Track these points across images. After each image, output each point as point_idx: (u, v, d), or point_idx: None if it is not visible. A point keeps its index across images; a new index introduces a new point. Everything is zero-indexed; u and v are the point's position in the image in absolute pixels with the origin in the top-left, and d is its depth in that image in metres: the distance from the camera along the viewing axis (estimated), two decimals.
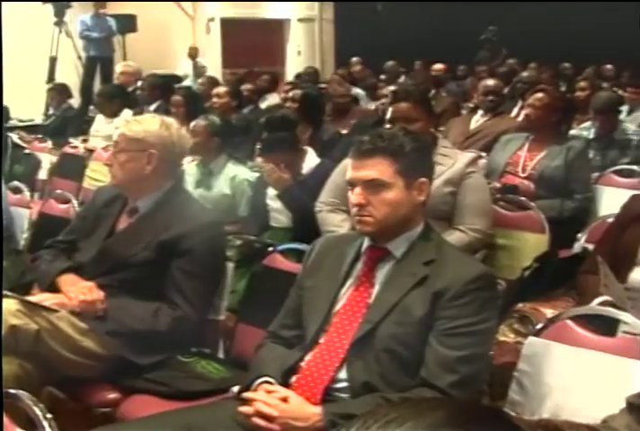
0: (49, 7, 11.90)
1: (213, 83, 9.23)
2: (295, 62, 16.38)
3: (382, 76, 12.07)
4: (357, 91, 10.24)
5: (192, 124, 5.01)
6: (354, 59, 13.47)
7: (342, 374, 2.53)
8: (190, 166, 4.98)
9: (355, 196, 2.54)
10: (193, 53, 13.60)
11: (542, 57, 12.00)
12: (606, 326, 2.75)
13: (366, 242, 2.64)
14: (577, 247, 3.96)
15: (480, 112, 6.71)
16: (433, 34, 14.87)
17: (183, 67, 13.48)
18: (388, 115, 4.01)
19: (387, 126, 3.96)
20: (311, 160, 4.69)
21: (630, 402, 2.17)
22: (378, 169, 2.51)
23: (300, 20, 17.08)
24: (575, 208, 4.85)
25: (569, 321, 2.67)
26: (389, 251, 2.59)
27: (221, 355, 3.37)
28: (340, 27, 17.00)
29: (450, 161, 3.91)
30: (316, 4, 17.17)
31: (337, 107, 7.37)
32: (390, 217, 2.53)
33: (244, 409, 2.46)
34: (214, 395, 2.98)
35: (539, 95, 5.09)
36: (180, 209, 3.30)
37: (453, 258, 2.56)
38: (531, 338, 2.69)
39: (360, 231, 2.61)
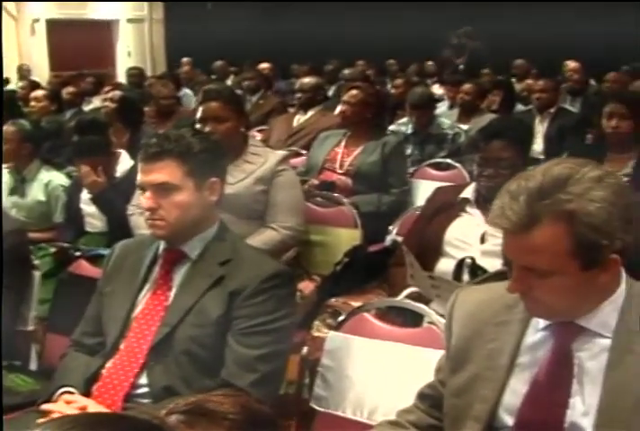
0: None
1: (34, 86, 8.98)
2: (125, 63, 16.11)
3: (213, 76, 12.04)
4: (185, 91, 10.18)
5: (4, 130, 4.87)
6: (184, 60, 13.35)
7: (143, 380, 2.50)
8: (3, 173, 4.84)
9: (145, 200, 2.51)
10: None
11: (369, 54, 12.22)
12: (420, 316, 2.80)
13: (162, 245, 2.62)
14: (388, 240, 4.04)
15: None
16: (264, 33, 14.90)
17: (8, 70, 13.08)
18: (198, 115, 3.99)
19: (198, 126, 3.95)
20: (125, 163, 4.63)
21: (421, 393, 2.20)
22: (167, 172, 2.48)
23: (130, 20, 16.81)
24: (392, 202, 4.95)
25: (367, 314, 2.71)
26: (185, 253, 2.57)
27: (34, 366, 3.28)
28: (170, 27, 16.82)
29: (261, 159, 3.93)
30: (145, 4, 16.94)
31: (160, 108, 7.30)
32: (182, 219, 2.50)
33: (42, 421, 2.40)
34: (24, 408, 2.89)
35: (353, 92, 5.18)
36: None
37: (248, 257, 2.56)
38: (332, 333, 2.72)
39: (153, 235, 2.58)
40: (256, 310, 2.44)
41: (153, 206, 2.49)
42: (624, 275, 1.89)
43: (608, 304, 1.86)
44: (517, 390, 1.93)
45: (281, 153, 4.08)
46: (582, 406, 1.85)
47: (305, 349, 2.83)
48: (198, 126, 3.94)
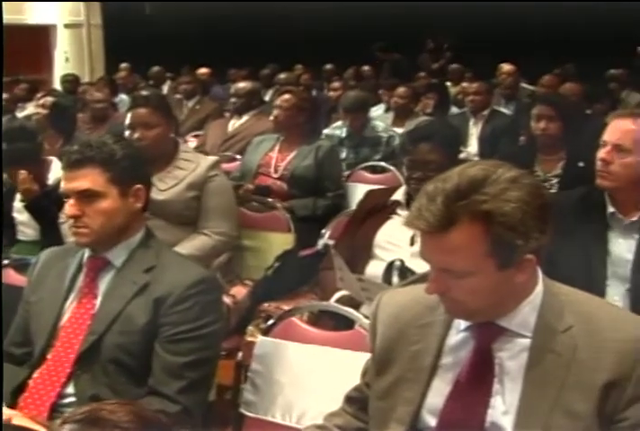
0: None
1: None
2: (63, 69, 15.93)
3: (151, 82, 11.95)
4: (122, 97, 10.09)
5: None
6: (122, 65, 13.24)
7: (70, 389, 2.48)
8: None
9: (69, 207, 2.48)
10: None
11: (307, 58, 12.22)
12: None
13: (86, 253, 2.59)
14: (320, 243, 4.05)
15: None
16: (204, 37, 14.82)
17: None
18: (127, 121, 3.95)
19: (127, 132, 3.92)
20: (57, 170, 4.57)
21: (348, 396, 2.21)
22: (89, 179, 2.46)
23: (67, 25, 16.61)
24: (328, 206, 4.96)
25: (295, 319, 2.71)
26: (109, 261, 2.55)
27: None
28: (109, 32, 16.67)
29: (192, 165, 3.91)
30: (83, 9, 16.77)
31: (94, 113, 7.25)
32: (106, 227, 2.48)
33: None
34: None
35: (286, 96, 5.18)
36: None
37: (173, 263, 2.55)
38: (261, 338, 2.72)
39: (76, 243, 2.56)
40: (182, 317, 2.43)
41: (76, 213, 2.47)
42: (540, 274, 1.92)
43: (527, 304, 1.88)
44: (440, 391, 1.94)
45: (212, 158, 4.07)
46: (503, 405, 1.87)
47: (240, 355, 2.82)
48: (127, 132, 3.91)
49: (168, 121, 3.93)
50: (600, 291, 3.05)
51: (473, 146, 6.97)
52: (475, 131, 7.09)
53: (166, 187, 3.82)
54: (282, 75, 8.19)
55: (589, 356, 1.82)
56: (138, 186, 2.55)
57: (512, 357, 1.88)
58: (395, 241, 3.40)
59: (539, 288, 1.90)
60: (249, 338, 3.29)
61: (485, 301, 1.82)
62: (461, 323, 1.94)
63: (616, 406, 1.80)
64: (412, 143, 3.52)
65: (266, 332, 2.73)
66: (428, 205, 1.75)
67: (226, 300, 3.67)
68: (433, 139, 3.48)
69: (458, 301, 1.83)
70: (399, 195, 3.52)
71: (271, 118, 5.30)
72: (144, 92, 4.13)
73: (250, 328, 3.38)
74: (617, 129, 3.03)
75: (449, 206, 1.73)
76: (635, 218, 3.05)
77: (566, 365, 1.83)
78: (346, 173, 5.57)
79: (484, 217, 1.72)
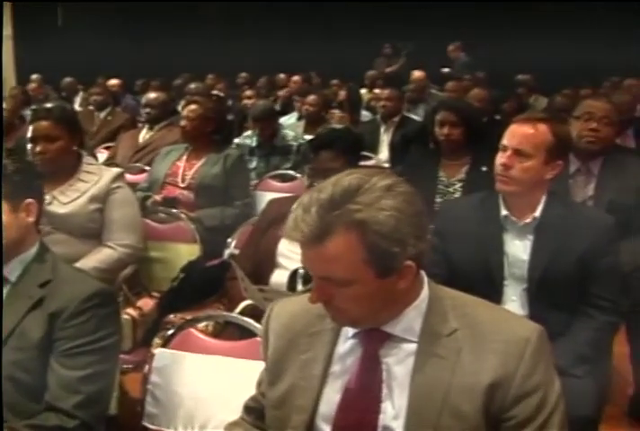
0: None
1: None
2: None
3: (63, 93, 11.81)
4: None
5: None
6: (33, 76, 13.05)
7: None
8: None
9: None
10: None
11: (219, 68, 12.22)
12: None
13: None
14: (227, 253, 4.04)
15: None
16: (114, 50, 14.70)
17: None
18: (29, 134, 3.90)
19: (29, 145, 3.87)
20: None
21: (246, 405, 2.21)
22: None
23: None
24: (236, 215, 4.95)
25: (193, 330, 2.71)
26: (3, 276, 2.51)
27: None
28: (20, 44, 16.41)
29: (95, 177, 3.87)
30: None
31: None
32: None
33: None
34: None
35: (192, 107, 5.18)
36: None
37: (68, 277, 2.51)
38: (159, 350, 2.71)
39: None
40: (77, 330, 2.39)
41: None
42: (426, 280, 1.94)
43: (412, 310, 1.90)
44: (331, 398, 1.95)
45: (115, 170, 4.03)
46: (393, 410, 1.88)
47: (146, 367, 2.79)
48: (29, 145, 3.86)
49: (71, 134, 3.88)
50: (498, 291, 3.13)
51: (384, 153, 7.02)
52: (385, 138, 7.15)
53: (68, 200, 3.78)
54: (192, 85, 8.14)
55: (473, 358, 1.85)
56: (30, 200, 2.51)
57: (399, 362, 1.90)
58: (299, 249, 3.40)
59: (425, 293, 1.92)
60: (155, 351, 3.29)
61: (368, 308, 1.84)
62: (349, 331, 1.95)
63: (502, 405, 1.83)
64: (313, 151, 3.55)
65: (165, 344, 2.72)
66: (303, 216, 1.76)
67: (133, 312, 3.65)
68: (335, 147, 3.50)
69: (341, 309, 1.84)
70: None
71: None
72: (47, 105, 4.06)
73: (156, 340, 3.36)
74: (517, 134, 3.08)
75: (324, 217, 1.73)
76: (528, 220, 3.11)
77: (451, 368, 1.85)
78: (255, 182, 5.57)
79: (359, 226, 1.73)
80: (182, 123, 5.19)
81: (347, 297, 1.81)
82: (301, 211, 1.77)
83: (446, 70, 12.81)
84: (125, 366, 3.37)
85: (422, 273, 1.92)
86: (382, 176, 1.80)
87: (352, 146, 3.66)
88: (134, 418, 2.79)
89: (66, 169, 3.85)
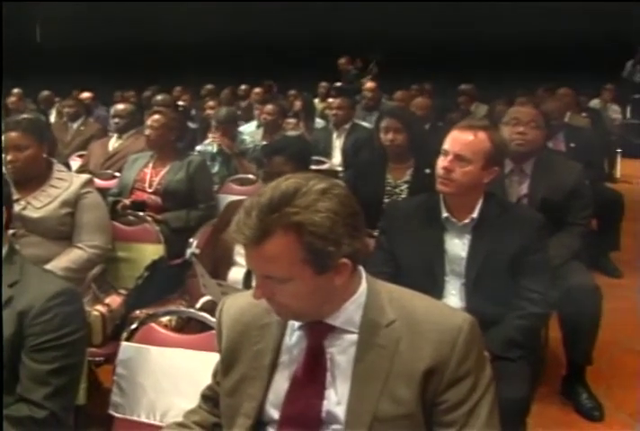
0: None
1: None
2: None
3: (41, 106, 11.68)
4: None
5: None
6: (14, 91, 12.88)
7: None
8: None
9: None
10: None
11: (187, 79, 12.20)
12: None
13: None
14: (188, 252, 4.03)
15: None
16: (88, 60, 14.61)
17: None
18: (2, 145, 3.86)
19: (2, 155, 3.83)
20: None
21: (203, 394, 2.20)
22: None
23: None
24: (200, 217, 4.93)
25: (154, 324, 2.70)
26: None
27: None
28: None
29: (66, 183, 3.85)
30: None
31: None
32: None
33: None
34: None
35: (156, 117, 5.14)
36: None
37: (35, 277, 2.48)
38: (124, 343, 2.69)
39: None
40: (45, 327, 2.37)
41: None
42: (364, 275, 1.94)
43: (351, 303, 1.90)
44: (280, 386, 1.94)
45: (85, 176, 4.00)
46: (336, 396, 1.88)
47: (117, 359, 2.77)
48: (2, 155, 3.83)
49: (40, 143, 3.85)
50: (439, 286, 3.15)
51: (337, 158, 7.01)
52: (338, 143, 7.14)
53: (41, 205, 3.76)
54: (159, 97, 8.11)
55: (410, 346, 1.85)
56: None
57: (342, 352, 1.90)
58: None
59: (363, 287, 1.92)
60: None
61: (308, 303, 1.83)
62: (295, 323, 1.95)
63: (436, 390, 1.83)
64: (266, 156, 3.54)
65: (129, 338, 2.70)
66: (245, 219, 1.75)
67: (102, 309, 3.61)
68: (286, 152, 3.50)
69: (283, 304, 1.84)
70: None
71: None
72: (18, 117, 4.04)
73: (124, 334, 3.35)
74: (458, 140, 3.10)
75: (263, 220, 1.73)
76: (467, 221, 3.13)
77: (390, 356, 1.85)
78: (217, 186, 5.56)
79: (296, 228, 1.72)
80: (147, 132, 5.15)
81: (288, 293, 1.80)
82: (243, 215, 1.76)
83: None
84: (97, 359, 3.37)
85: (361, 269, 1.92)
86: (318, 180, 1.80)
87: (302, 152, 3.66)
88: (103, 408, 2.78)
89: (37, 176, 3.82)
